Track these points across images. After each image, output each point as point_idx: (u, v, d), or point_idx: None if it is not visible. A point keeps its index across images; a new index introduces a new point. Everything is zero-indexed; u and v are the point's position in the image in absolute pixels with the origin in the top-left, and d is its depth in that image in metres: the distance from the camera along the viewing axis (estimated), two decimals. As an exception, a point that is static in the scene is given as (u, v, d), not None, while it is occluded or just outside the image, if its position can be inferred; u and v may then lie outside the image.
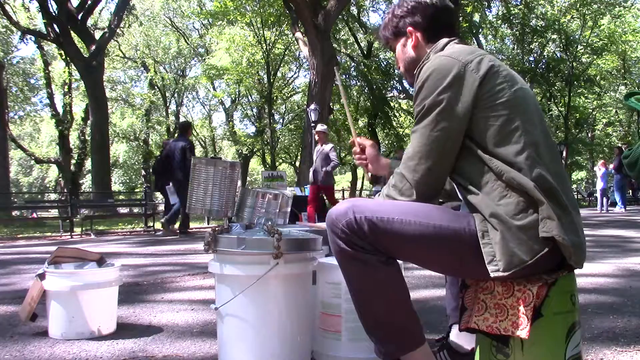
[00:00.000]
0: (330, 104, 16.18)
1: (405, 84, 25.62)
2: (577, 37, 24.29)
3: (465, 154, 1.30)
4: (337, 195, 24.39)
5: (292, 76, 29.93)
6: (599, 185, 14.54)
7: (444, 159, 1.30)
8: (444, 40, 1.45)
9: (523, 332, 1.17)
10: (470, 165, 1.29)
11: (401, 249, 1.28)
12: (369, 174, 1.72)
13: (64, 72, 23.56)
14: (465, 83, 1.27)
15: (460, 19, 18.97)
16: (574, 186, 27.75)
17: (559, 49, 25.10)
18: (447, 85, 1.27)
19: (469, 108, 1.27)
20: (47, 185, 39.08)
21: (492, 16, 24.11)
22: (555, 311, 1.22)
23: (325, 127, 8.99)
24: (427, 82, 1.30)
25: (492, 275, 1.20)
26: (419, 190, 1.31)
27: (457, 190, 1.42)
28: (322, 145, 8.47)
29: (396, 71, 25.35)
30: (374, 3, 25.39)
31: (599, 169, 14.73)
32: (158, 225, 12.40)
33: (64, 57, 20.67)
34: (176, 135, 8.76)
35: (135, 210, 17.68)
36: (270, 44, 23.71)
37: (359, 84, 24.86)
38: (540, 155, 1.25)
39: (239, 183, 1.89)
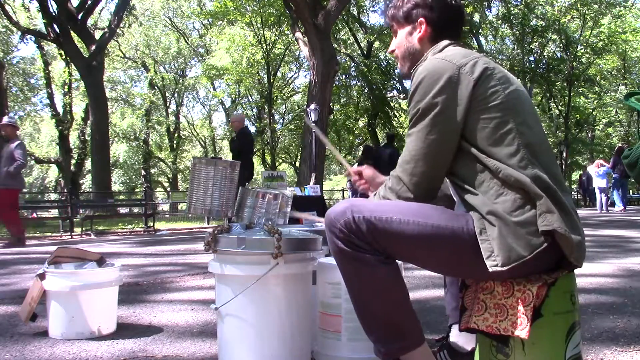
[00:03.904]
0: (330, 104, 16.17)
1: (406, 84, 25.60)
2: (577, 37, 24.28)
3: (460, 154, 1.31)
4: (337, 195, 24.47)
5: (292, 76, 29.95)
6: (600, 184, 14.51)
7: (441, 162, 1.31)
8: (445, 42, 1.45)
9: (523, 332, 1.17)
10: (465, 165, 1.30)
11: (400, 248, 1.28)
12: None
13: (64, 72, 23.57)
14: (460, 86, 1.28)
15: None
16: (574, 186, 27.73)
17: (559, 49, 25.08)
18: (441, 88, 1.28)
19: (464, 110, 1.27)
20: (47, 185, 39.05)
21: (492, 16, 24.11)
22: (555, 311, 1.22)
23: (11, 119, 7.59)
24: (421, 85, 1.31)
25: (490, 270, 1.19)
26: (416, 192, 1.32)
27: (453, 191, 1.42)
28: (10, 142, 7.28)
29: (396, 71, 25.36)
30: (374, 3, 25.40)
31: (598, 168, 14.70)
32: (158, 225, 12.41)
33: (64, 57, 20.68)
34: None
35: (135, 210, 17.68)
36: (270, 44, 23.70)
37: (359, 84, 24.85)
38: (535, 157, 1.26)
39: (239, 183, 1.88)
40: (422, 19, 1.48)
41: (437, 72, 1.29)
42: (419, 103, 1.30)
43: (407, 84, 29.58)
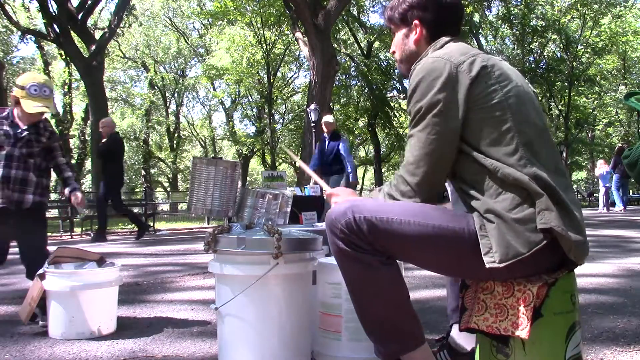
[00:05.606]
0: (330, 104, 16.17)
1: (406, 84, 25.59)
2: (577, 37, 24.28)
3: (459, 154, 1.30)
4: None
5: (292, 76, 29.95)
6: (602, 183, 14.52)
7: (443, 161, 1.30)
8: (444, 39, 1.43)
9: (523, 332, 1.17)
10: (464, 165, 1.29)
11: (400, 249, 1.28)
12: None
13: (64, 72, 23.59)
14: (458, 84, 1.26)
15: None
16: (574, 186, 27.73)
17: (559, 49, 25.09)
18: (440, 87, 1.26)
19: (463, 110, 1.26)
20: (47, 185, 39.02)
21: (492, 16, 24.12)
22: (556, 311, 1.22)
23: None
24: (420, 84, 1.30)
25: (487, 266, 1.19)
26: (420, 192, 1.31)
27: (452, 191, 1.42)
28: None
29: (396, 71, 25.36)
30: (374, 3, 25.38)
31: (600, 169, 14.68)
32: (158, 225, 12.41)
33: (64, 57, 20.68)
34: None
35: (135, 210, 17.66)
36: (270, 44, 23.70)
37: (359, 84, 24.85)
38: (535, 155, 1.25)
39: (239, 183, 1.89)
40: (416, 21, 1.45)
41: (435, 70, 1.28)
42: (419, 102, 1.29)
43: (407, 83, 29.68)
